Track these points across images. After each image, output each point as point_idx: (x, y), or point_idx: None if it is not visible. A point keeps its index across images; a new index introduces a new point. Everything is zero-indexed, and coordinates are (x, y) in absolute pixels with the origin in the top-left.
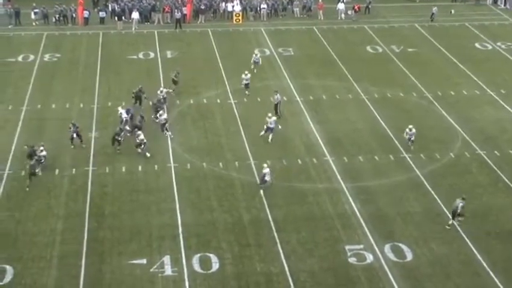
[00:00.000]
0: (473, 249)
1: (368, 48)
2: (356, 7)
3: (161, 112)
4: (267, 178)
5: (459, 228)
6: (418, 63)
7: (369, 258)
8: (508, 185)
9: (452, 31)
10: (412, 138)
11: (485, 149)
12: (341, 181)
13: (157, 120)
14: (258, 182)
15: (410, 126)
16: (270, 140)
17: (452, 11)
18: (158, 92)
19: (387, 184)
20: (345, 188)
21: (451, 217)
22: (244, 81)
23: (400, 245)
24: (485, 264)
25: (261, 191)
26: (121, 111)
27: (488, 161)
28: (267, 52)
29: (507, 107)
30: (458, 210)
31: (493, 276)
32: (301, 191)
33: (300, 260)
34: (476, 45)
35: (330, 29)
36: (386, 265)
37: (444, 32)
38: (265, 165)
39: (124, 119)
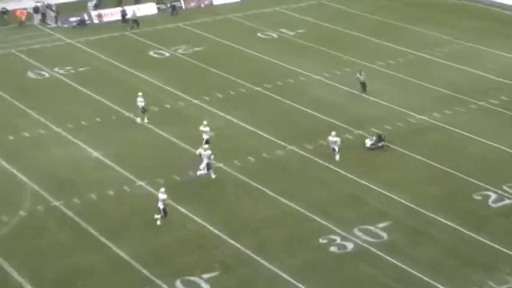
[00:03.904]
0: None
1: None
2: None
3: None
4: None
5: None
6: None
7: None
8: (98, 239)
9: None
10: None
11: (62, 199)
12: None
13: None
14: None
15: None
16: None
17: None
18: None
19: None
20: None
21: None
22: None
23: None
24: None
25: None
26: None
27: (69, 212)
28: None
29: (78, 142)
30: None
31: None
32: None
33: None
34: (30, 74)
35: None
36: None
37: None
38: None
39: None
